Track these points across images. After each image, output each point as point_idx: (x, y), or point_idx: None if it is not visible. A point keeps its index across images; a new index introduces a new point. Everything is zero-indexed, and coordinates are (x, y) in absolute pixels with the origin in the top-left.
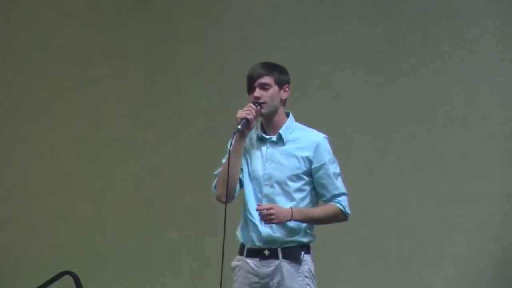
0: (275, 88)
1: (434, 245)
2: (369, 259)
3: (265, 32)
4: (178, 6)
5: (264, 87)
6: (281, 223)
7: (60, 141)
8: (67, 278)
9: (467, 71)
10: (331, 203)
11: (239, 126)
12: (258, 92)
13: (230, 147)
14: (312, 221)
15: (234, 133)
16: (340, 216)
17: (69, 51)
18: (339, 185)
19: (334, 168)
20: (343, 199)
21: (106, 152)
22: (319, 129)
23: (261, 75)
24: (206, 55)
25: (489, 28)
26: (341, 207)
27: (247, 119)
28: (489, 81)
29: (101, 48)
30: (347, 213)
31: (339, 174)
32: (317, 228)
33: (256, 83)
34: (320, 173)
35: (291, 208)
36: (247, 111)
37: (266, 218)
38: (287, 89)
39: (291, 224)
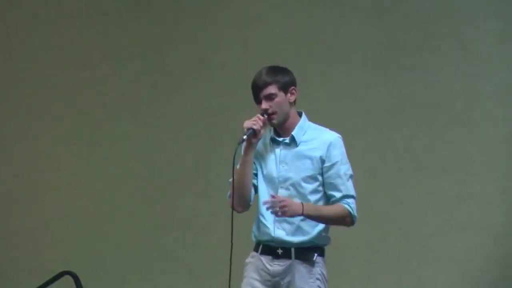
0: (281, 95)
1: (434, 245)
2: (369, 259)
3: (265, 32)
4: (178, 6)
5: (269, 97)
6: (293, 217)
7: (60, 141)
8: (67, 278)
9: (467, 71)
10: (340, 204)
11: (244, 136)
12: (265, 104)
13: (235, 157)
14: (322, 219)
15: (239, 143)
16: (347, 219)
17: (69, 51)
18: (350, 187)
19: (345, 169)
20: (352, 202)
21: (106, 152)
22: None
23: (264, 86)
24: (206, 55)
25: (489, 28)
26: (349, 209)
27: (253, 129)
28: (489, 81)
29: (101, 48)
30: (355, 216)
31: (351, 176)
32: None
33: (261, 95)
34: (330, 172)
35: (302, 203)
36: (253, 121)
37: (279, 210)
38: (293, 91)
39: (304, 227)
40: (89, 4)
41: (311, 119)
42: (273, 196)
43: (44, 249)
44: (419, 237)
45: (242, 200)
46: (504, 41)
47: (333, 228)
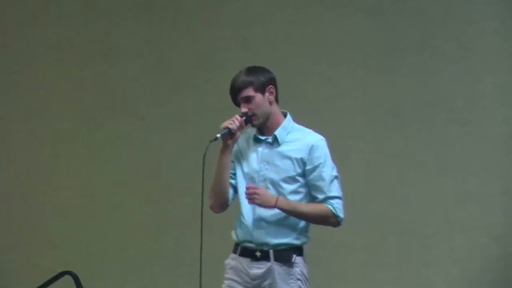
0: (258, 96)
1: (434, 245)
2: (369, 259)
3: (265, 32)
4: (178, 6)
5: (247, 100)
6: (264, 207)
7: (60, 141)
8: (67, 278)
9: (467, 71)
10: (323, 204)
11: (218, 135)
12: (244, 107)
13: (205, 154)
14: (298, 215)
15: (211, 141)
16: (331, 218)
17: (69, 51)
18: (333, 188)
19: (329, 170)
20: (335, 202)
21: (106, 151)
22: (319, 129)
23: (240, 89)
24: (205, 55)
25: (489, 28)
26: (332, 209)
27: (229, 129)
28: (489, 81)
29: (101, 48)
30: (339, 216)
31: (336, 178)
32: (317, 228)
33: (239, 99)
34: (313, 175)
35: (278, 196)
36: (230, 121)
37: (250, 197)
38: (272, 89)
39: (283, 227)
40: (89, 4)
41: (310, 119)
42: (248, 187)
43: (44, 249)
44: (419, 237)
45: (220, 201)
46: (504, 41)
47: (333, 229)
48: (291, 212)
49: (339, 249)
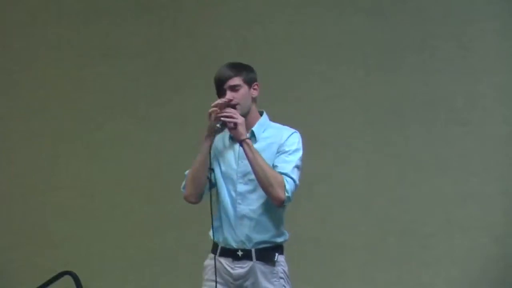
0: (245, 87)
1: (434, 245)
2: (369, 259)
3: (265, 32)
4: (178, 6)
5: (234, 88)
6: (235, 132)
7: (60, 141)
8: (67, 278)
9: (467, 71)
10: (280, 174)
11: (218, 125)
12: (229, 95)
13: (211, 147)
14: (257, 163)
15: (217, 133)
16: (280, 188)
17: (69, 51)
18: (294, 172)
19: (295, 159)
20: (291, 182)
21: (106, 151)
22: (319, 129)
23: (229, 77)
24: (206, 55)
25: (489, 28)
26: (285, 182)
27: (234, 123)
28: (489, 81)
29: (101, 48)
30: (288, 192)
31: (297, 167)
32: (317, 228)
33: (226, 86)
34: (278, 158)
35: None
36: (234, 114)
37: (229, 118)
38: (256, 87)
39: (265, 222)
40: (89, 4)
41: (311, 119)
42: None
43: (44, 249)
44: (419, 237)
45: (198, 190)
46: (504, 41)
47: (333, 229)
48: (252, 158)
49: (339, 249)
